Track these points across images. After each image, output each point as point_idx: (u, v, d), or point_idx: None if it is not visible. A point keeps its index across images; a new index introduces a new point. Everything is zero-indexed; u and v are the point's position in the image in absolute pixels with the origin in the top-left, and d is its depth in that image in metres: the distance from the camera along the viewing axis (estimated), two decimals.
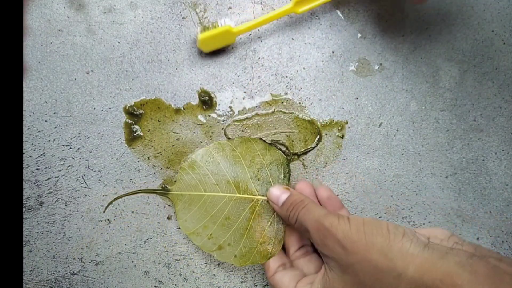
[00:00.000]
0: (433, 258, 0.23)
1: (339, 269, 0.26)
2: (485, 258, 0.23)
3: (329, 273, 0.27)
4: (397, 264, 0.23)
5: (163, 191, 0.35)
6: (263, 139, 0.36)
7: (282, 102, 0.36)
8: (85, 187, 0.35)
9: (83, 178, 0.35)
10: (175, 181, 0.36)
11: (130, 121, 0.35)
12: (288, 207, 0.31)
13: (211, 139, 0.36)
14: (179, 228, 0.36)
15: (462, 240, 0.26)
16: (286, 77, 0.36)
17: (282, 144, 0.36)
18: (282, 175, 0.36)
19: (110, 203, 0.35)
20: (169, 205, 0.36)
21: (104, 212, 0.35)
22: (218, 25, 0.34)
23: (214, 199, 0.35)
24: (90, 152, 0.35)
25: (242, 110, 0.36)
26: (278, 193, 0.32)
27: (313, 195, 0.34)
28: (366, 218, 0.27)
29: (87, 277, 0.35)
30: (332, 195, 0.34)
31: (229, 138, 0.36)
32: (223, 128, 0.36)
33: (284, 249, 0.35)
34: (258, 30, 0.36)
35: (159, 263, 0.36)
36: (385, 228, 0.25)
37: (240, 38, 0.36)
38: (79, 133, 0.35)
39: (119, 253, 0.36)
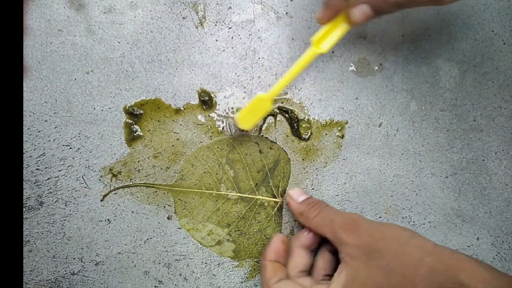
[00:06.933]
0: (446, 251, 0.29)
1: (365, 256, 0.29)
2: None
3: (352, 263, 0.30)
4: (416, 252, 0.28)
5: (165, 186, 0.36)
6: (267, 137, 0.36)
7: (282, 102, 0.36)
8: (85, 187, 0.35)
9: (83, 178, 0.35)
10: (177, 179, 0.36)
11: (130, 121, 0.35)
12: (309, 203, 0.34)
13: (211, 139, 0.36)
14: (179, 228, 0.36)
15: None
16: None
17: (287, 111, 0.36)
18: (282, 175, 0.36)
19: (110, 192, 0.35)
20: (169, 205, 0.36)
21: (102, 200, 0.35)
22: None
23: (215, 197, 0.36)
24: (90, 152, 0.35)
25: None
26: (299, 193, 0.35)
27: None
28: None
29: (87, 277, 0.35)
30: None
31: (230, 135, 0.36)
32: (223, 129, 0.36)
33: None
34: (258, 30, 0.36)
35: (159, 263, 0.36)
36: (404, 228, 0.31)
37: (240, 38, 0.36)
38: (79, 133, 0.35)
39: (119, 253, 0.36)
